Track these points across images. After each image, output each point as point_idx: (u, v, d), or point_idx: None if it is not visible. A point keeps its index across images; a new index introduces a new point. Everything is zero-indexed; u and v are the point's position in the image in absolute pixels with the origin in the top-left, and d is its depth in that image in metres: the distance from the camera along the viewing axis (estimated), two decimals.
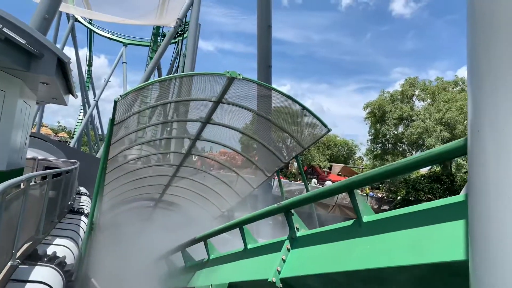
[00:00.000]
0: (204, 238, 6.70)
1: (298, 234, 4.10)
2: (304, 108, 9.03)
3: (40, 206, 6.61)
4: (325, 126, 9.09)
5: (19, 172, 10.39)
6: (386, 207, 38.40)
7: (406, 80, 42.49)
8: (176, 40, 47.67)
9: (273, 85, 12.53)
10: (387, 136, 42.33)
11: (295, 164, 10.68)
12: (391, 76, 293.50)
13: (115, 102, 7.08)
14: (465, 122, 35.03)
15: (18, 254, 5.17)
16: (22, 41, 7.20)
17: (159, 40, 47.84)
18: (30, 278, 4.57)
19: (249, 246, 5.23)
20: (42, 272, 4.90)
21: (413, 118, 39.61)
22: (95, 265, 9.04)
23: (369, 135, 43.96)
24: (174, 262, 8.00)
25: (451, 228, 2.31)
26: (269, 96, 9.04)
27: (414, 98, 41.91)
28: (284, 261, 4.00)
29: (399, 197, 39.76)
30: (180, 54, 44.88)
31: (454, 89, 39.10)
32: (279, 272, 3.92)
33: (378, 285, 3.02)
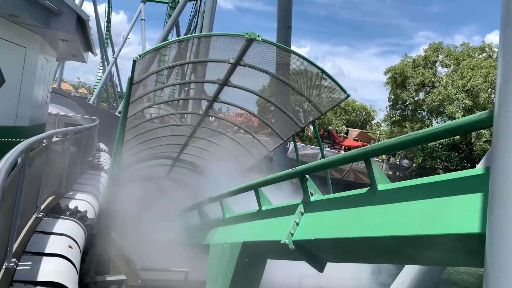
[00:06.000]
0: (220, 198, 6.87)
1: (312, 198, 4.16)
2: (324, 72, 8.86)
3: (62, 162, 6.82)
4: (344, 91, 8.93)
5: (42, 127, 10.65)
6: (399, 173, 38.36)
7: (430, 45, 41.19)
8: None
9: (293, 47, 12.30)
10: (407, 102, 41.58)
11: (312, 127, 10.61)
12: (415, 40, 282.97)
13: (134, 62, 7.07)
14: (489, 91, 34.00)
15: (42, 207, 5.41)
16: None
17: None
18: (54, 230, 4.79)
19: (263, 208, 5.34)
20: (65, 225, 5.13)
21: (435, 84, 38.68)
22: (114, 219, 9.38)
23: (389, 101, 43.31)
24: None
25: (467, 201, 2.31)
26: (288, 58, 8.87)
27: (437, 64, 40.76)
28: (297, 224, 4.07)
29: (414, 164, 39.47)
30: (198, 13, 44.00)
31: (480, 56, 37.72)
32: (292, 234, 4.01)
33: (389, 253, 3.07)
